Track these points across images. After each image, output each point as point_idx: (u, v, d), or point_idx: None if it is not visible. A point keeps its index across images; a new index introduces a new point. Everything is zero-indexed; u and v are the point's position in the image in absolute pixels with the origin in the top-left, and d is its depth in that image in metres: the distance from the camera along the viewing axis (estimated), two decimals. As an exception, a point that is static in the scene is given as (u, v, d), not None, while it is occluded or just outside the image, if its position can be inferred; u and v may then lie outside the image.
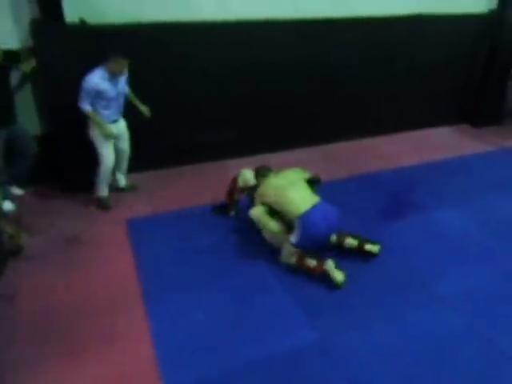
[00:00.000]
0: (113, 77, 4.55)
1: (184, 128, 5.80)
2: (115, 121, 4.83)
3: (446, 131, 7.68)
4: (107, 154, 4.83)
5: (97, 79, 4.46)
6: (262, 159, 5.76)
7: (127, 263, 4.16)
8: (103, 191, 5.06)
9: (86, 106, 4.53)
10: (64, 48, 4.65)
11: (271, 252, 4.26)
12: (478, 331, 3.47)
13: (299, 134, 6.36)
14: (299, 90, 6.20)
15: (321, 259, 3.94)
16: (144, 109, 5.00)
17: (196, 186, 5.52)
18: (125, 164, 5.22)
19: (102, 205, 5.04)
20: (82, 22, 4.80)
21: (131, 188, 5.38)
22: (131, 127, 5.05)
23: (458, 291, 3.87)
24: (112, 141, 4.82)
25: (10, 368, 3.10)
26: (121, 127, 4.93)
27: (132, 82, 4.98)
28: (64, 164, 5.19)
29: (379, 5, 6.30)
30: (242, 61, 5.72)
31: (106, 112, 4.67)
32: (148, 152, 5.55)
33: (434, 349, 3.31)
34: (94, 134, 4.72)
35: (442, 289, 3.89)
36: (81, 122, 4.71)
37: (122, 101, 4.81)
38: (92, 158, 4.88)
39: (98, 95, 4.52)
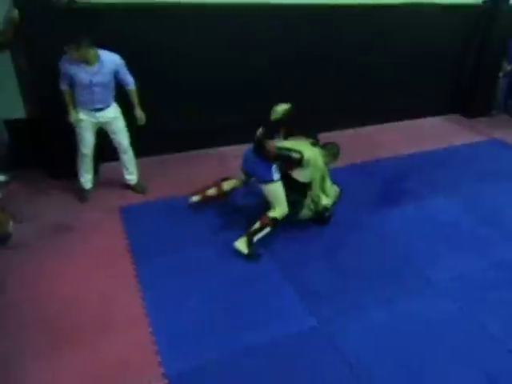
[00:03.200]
0: (82, 63, 4.21)
1: (177, 114, 5.73)
2: (98, 109, 4.49)
3: (438, 121, 7.75)
4: (82, 139, 4.58)
5: (67, 63, 4.22)
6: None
7: (122, 250, 4.13)
8: (81, 181, 4.84)
9: (63, 86, 4.35)
10: (51, 26, 4.45)
11: (268, 238, 4.26)
12: (468, 316, 3.56)
13: (294, 122, 6.34)
14: (295, 77, 6.18)
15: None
16: (139, 114, 4.74)
17: (190, 174, 5.49)
18: (126, 160, 4.93)
19: (78, 196, 4.90)
20: (71, 1, 4.66)
21: (140, 189, 5.11)
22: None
23: (449, 277, 3.96)
24: (89, 126, 4.53)
25: (0, 358, 3.05)
26: (105, 117, 4.56)
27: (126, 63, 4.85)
28: (53, 149, 5.06)
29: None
30: (239, 45, 5.66)
31: (81, 98, 4.40)
32: (140, 138, 5.47)
33: (427, 332, 3.40)
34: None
35: (434, 275, 3.98)
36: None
37: (100, 91, 4.38)
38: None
39: (71, 78, 4.29)
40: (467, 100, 7.84)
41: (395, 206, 5.00)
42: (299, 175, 4.26)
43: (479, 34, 7.37)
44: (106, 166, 5.40)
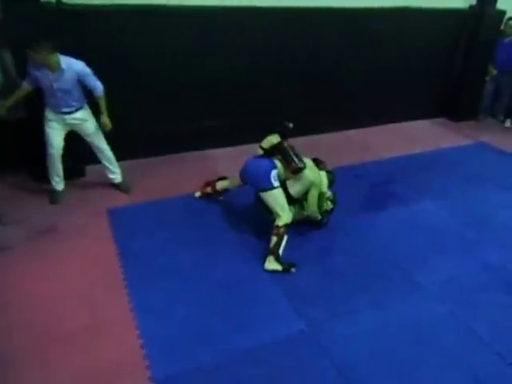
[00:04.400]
0: (44, 67, 4.16)
1: (163, 116, 5.72)
2: (67, 113, 4.48)
3: (425, 124, 7.80)
4: (49, 139, 4.53)
5: (32, 64, 4.19)
6: (244, 150, 5.76)
7: (109, 253, 4.08)
8: (52, 183, 4.78)
9: (24, 84, 4.32)
10: (38, 28, 4.38)
11: (257, 240, 4.29)
12: (457, 318, 3.57)
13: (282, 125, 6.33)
14: (282, 80, 6.18)
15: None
16: (106, 121, 4.63)
17: (177, 176, 5.46)
18: (107, 160, 4.93)
19: (50, 198, 4.82)
20: (58, 2, 4.62)
21: (124, 188, 5.11)
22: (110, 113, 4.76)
23: (438, 280, 3.96)
24: (57, 126, 4.51)
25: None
26: (76, 119, 4.55)
27: (107, 67, 4.82)
28: (36, 151, 4.91)
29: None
30: (222, 48, 5.64)
31: (47, 101, 4.41)
32: (127, 141, 5.43)
33: (416, 335, 3.39)
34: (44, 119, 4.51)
35: (422, 278, 3.97)
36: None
37: (64, 97, 4.35)
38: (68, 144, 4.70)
39: (36, 81, 4.29)
40: (454, 103, 7.89)
41: (383, 210, 5.01)
42: (291, 188, 4.27)
43: (466, 38, 7.42)
44: (92, 168, 5.34)
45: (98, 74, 4.58)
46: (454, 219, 4.91)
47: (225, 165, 5.67)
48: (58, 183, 4.81)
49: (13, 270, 3.81)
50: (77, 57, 4.41)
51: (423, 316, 3.57)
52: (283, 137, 4.29)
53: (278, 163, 4.20)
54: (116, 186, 5.12)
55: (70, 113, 4.50)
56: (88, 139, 4.76)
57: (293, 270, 3.96)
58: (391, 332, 3.41)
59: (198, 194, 5.00)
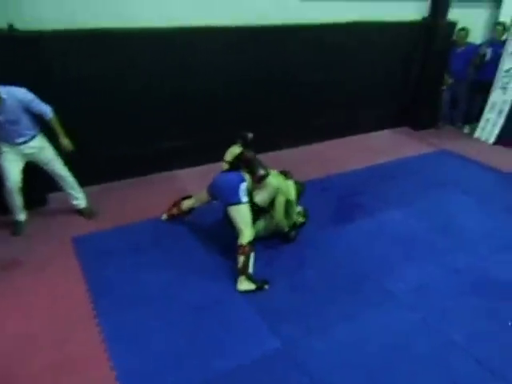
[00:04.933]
0: None
1: (126, 139, 5.64)
2: (22, 143, 4.34)
3: (387, 134, 7.94)
4: (6, 172, 4.37)
5: None
6: (211, 168, 5.72)
7: (76, 284, 3.95)
8: (14, 214, 4.62)
9: None
10: None
11: (227, 259, 4.24)
12: (432, 325, 3.59)
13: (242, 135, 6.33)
14: (245, 96, 6.20)
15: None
16: (66, 142, 4.50)
17: (144, 199, 5.37)
18: (69, 186, 4.81)
19: (12, 229, 4.66)
20: (11, 28, 4.52)
21: (89, 213, 4.98)
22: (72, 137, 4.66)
23: (409, 288, 3.99)
24: (13, 157, 4.36)
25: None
26: (32, 147, 4.42)
27: (65, 91, 4.81)
28: None
29: (320, 12, 6.45)
30: (188, 68, 5.64)
31: (0, 136, 4.27)
32: (90, 165, 5.34)
33: (393, 345, 3.39)
34: None
35: (394, 286, 4.00)
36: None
37: (16, 127, 4.22)
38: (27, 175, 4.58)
39: None
40: (414, 112, 8.07)
41: (351, 221, 5.04)
42: (257, 198, 4.28)
43: (420, 49, 7.64)
44: (55, 196, 5.21)
45: (56, 98, 4.54)
46: (422, 226, 4.98)
47: (193, 184, 5.61)
48: (19, 214, 4.66)
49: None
50: (33, 82, 4.35)
51: (397, 325, 3.57)
52: (245, 147, 4.32)
53: (246, 176, 4.19)
54: (80, 213, 5.00)
55: (24, 142, 4.36)
56: (47, 167, 4.62)
57: (266, 286, 3.92)
58: (367, 344, 3.39)
59: (164, 217, 4.91)
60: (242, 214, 4.07)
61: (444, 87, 8.01)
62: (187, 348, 3.33)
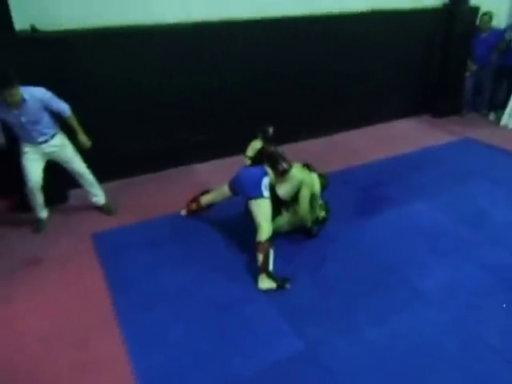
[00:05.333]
0: (6, 107, 4.02)
1: (144, 134, 5.58)
2: (43, 142, 4.36)
3: (409, 123, 7.73)
4: (27, 172, 4.38)
5: None
6: (229, 162, 5.67)
7: (96, 281, 3.91)
8: (36, 212, 4.63)
9: None
10: (14, 58, 4.27)
11: (248, 257, 4.13)
12: (463, 326, 3.44)
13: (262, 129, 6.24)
14: (265, 89, 6.09)
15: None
16: (84, 139, 4.54)
17: (163, 194, 5.30)
18: (88, 184, 4.80)
19: (34, 227, 4.65)
20: (34, 30, 4.51)
21: (108, 210, 4.97)
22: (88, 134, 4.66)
23: (439, 286, 3.85)
24: (35, 157, 4.37)
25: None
26: (53, 146, 4.44)
27: (86, 90, 4.79)
28: (20, 179, 4.79)
29: (337, 2, 6.30)
30: (206, 63, 5.55)
31: (20, 135, 4.31)
32: (109, 161, 5.30)
33: (422, 347, 3.26)
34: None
35: (423, 284, 3.86)
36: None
37: (38, 127, 4.25)
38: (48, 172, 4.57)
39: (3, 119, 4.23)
40: (437, 100, 7.87)
41: (375, 214, 4.90)
42: (280, 190, 4.20)
43: (442, 35, 7.42)
44: (75, 193, 5.18)
45: (77, 97, 4.55)
46: (449, 219, 4.82)
47: (212, 178, 5.52)
48: (41, 211, 4.65)
49: (-6, 306, 3.63)
50: (54, 83, 4.36)
51: (428, 325, 3.44)
52: (266, 141, 4.24)
53: (268, 170, 4.12)
54: (100, 209, 4.97)
55: (45, 141, 4.38)
56: (67, 165, 4.63)
57: (287, 285, 3.81)
58: (395, 346, 3.27)
59: (183, 212, 4.84)
60: (262, 209, 3.98)
61: (467, 74, 7.77)
62: (208, 348, 3.25)
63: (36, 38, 4.52)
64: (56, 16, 4.68)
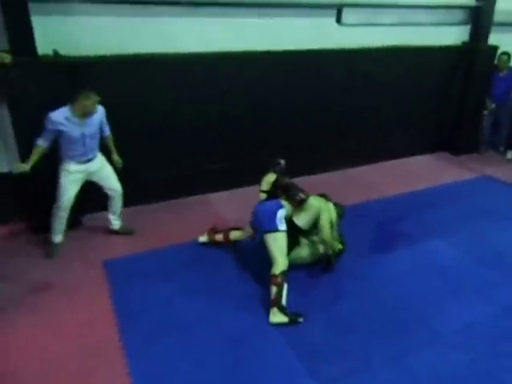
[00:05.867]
0: (79, 116, 4.16)
1: (159, 163, 5.59)
2: (90, 159, 4.46)
3: (426, 159, 7.66)
4: (65, 192, 4.41)
5: (60, 119, 4.08)
6: (243, 192, 5.63)
7: (105, 311, 3.82)
8: (51, 235, 4.61)
9: (39, 141, 4.15)
10: (37, 82, 4.37)
11: (263, 290, 4.03)
12: (483, 370, 3.31)
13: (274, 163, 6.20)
14: (278, 122, 6.09)
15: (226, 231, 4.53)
16: (117, 159, 4.76)
17: (177, 223, 5.26)
18: (117, 205, 4.86)
19: (47, 251, 4.62)
20: (56, 54, 4.57)
21: (126, 232, 5.01)
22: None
23: (458, 327, 3.72)
24: (77, 178, 4.42)
25: None
26: (94, 166, 4.52)
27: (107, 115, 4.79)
28: (37, 202, 4.86)
29: (358, 36, 6.35)
30: (222, 92, 5.57)
31: (72, 153, 4.30)
32: (124, 188, 5.29)
33: (440, 390, 3.12)
34: (59, 169, 4.41)
35: (441, 325, 3.73)
36: (54, 160, 4.44)
37: (90, 142, 4.36)
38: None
39: (60, 134, 4.17)
40: (454, 137, 7.81)
41: (392, 251, 4.80)
42: (299, 220, 4.16)
43: (461, 73, 7.43)
44: (88, 218, 5.20)
45: None
46: (468, 258, 4.70)
47: (226, 208, 5.55)
48: (58, 236, 4.63)
49: (3, 333, 3.55)
50: None
51: (446, 367, 3.31)
52: (279, 173, 4.24)
53: (284, 203, 4.09)
54: (117, 232, 4.99)
55: (92, 159, 4.48)
56: (105, 183, 4.70)
57: (300, 319, 3.70)
58: (411, 386, 3.14)
59: (202, 240, 4.76)
60: (278, 242, 3.92)
61: (485, 112, 7.74)
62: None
63: (59, 62, 4.57)
64: (79, 42, 4.76)
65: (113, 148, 4.72)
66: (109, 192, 4.76)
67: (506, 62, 7.38)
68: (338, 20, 6.16)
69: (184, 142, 5.62)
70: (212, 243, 4.72)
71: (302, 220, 4.16)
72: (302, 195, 4.09)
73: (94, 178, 4.62)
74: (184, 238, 4.85)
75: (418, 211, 5.69)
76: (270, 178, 4.31)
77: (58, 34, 4.64)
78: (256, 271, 4.32)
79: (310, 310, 3.84)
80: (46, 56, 4.51)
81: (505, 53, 7.34)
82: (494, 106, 7.60)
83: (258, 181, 4.40)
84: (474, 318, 3.82)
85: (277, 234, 3.92)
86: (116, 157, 4.76)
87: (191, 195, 5.91)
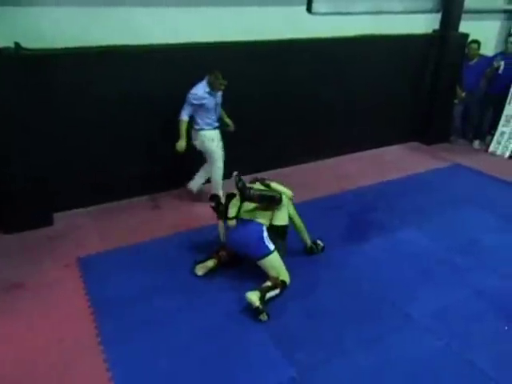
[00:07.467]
0: (213, 90, 5.02)
1: (133, 157, 5.52)
2: (216, 127, 5.28)
3: (399, 149, 7.74)
4: (219, 155, 5.32)
5: (201, 92, 4.97)
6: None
7: (81, 306, 3.79)
8: (219, 190, 5.37)
9: (184, 117, 5.04)
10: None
11: (238, 283, 4.05)
12: (455, 352, 3.39)
13: (255, 158, 6.18)
14: (250, 113, 6.05)
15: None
16: (230, 123, 5.51)
17: (152, 218, 5.24)
18: (210, 172, 5.52)
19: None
20: (18, 47, 4.46)
21: (200, 191, 5.66)
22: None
23: (430, 312, 3.79)
24: (219, 146, 5.32)
25: None
26: (219, 133, 5.34)
27: (72, 111, 4.80)
28: (5, 201, 4.76)
29: (330, 25, 6.35)
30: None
31: (207, 119, 5.14)
32: (96, 183, 5.26)
33: (414, 373, 3.21)
34: (203, 142, 5.22)
35: (414, 310, 3.80)
36: (21, 157, 4.36)
37: (219, 110, 5.28)
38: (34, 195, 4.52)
39: (200, 106, 5.01)
40: (425, 127, 7.89)
41: (366, 240, 4.85)
42: (280, 220, 4.15)
43: (431, 62, 7.50)
44: (60, 215, 5.12)
45: (61, 114, 4.72)
46: (439, 245, 4.78)
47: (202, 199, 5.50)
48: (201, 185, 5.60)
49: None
50: (39, 100, 4.41)
51: (419, 352, 3.37)
52: (243, 188, 4.02)
53: (260, 220, 4.05)
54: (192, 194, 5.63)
55: (219, 127, 5.34)
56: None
57: (264, 318, 3.66)
58: (387, 370, 3.21)
59: (201, 273, 4.24)
60: (274, 263, 3.95)
61: (456, 101, 7.85)
62: (196, 377, 3.15)
63: (21, 55, 4.46)
64: (42, 34, 4.64)
65: (225, 114, 5.48)
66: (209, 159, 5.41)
67: (475, 50, 7.44)
68: (309, 9, 6.16)
69: (154, 137, 5.54)
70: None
71: (281, 218, 4.15)
72: (275, 194, 4.07)
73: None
74: (156, 234, 4.85)
75: (391, 201, 5.76)
76: (236, 202, 4.09)
77: (20, 27, 4.54)
78: (232, 267, 4.30)
79: (287, 298, 3.88)
80: (6, 49, 4.39)
81: (475, 41, 7.41)
82: (464, 94, 7.70)
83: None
84: (445, 303, 3.90)
85: (270, 256, 3.92)
86: (229, 120, 5.52)
87: (166, 190, 5.85)
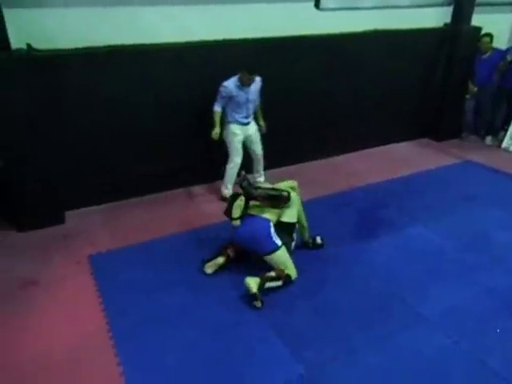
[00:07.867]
0: (242, 85, 5.12)
1: (143, 156, 5.54)
2: (245, 123, 5.38)
3: (409, 146, 7.67)
4: (236, 151, 5.42)
5: (232, 86, 5.10)
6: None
7: (92, 303, 3.84)
8: (226, 188, 5.54)
9: (217, 108, 5.20)
10: (10, 78, 4.31)
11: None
12: (467, 351, 3.35)
13: (264, 156, 6.17)
14: (263, 109, 6.02)
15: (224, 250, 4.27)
16: (263, 124, 5.65)
17: (161, 216, 5.26)
18: (260, 165, 5.79)
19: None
20: (30, 48, 4.50)
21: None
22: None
23: (441, 310, 3.75)
24: (241, 139, 5.42)
25: None
26: (250, 130, 5.47)
27: (81, 111, 4.84)
28: (18, 201, 4.83)
29: (339, 21, 6.32)
30: (203, 82, 5.46)
31: (236, 114, 5.29)
32: (107, 182, 5.30)
33: (425, 372, 3.18)
34: (227, 134, 5.39)
35: (425, 309, 3.76)
36: (34, 157, 4.41)
37: (251, 106, 5.34)
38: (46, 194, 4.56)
39: (230, 99, 5.15)
40: (436, 123, 7.81)
41: (375, 237, 4.82)
42: (288, 217, 4.16)
43: (443, 56, 7.41)
44: (72, 214, 5.19)
45: (71, 116, 4.71)
46: (451, 243, 4.73)
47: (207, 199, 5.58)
48: (230, 191, 5.45)
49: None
50: (51, 100, 4.49)
51: (429, 351, 3.34)
52: (248, 188, 4.06)
53: (267, 216, 4.06)
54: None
55: (249, 123, 5.44)
56: (253, 147, 5.62)
57: (258, 305, 3.73)
58: (397, 369, 3.19)
59: (210, 271, 4.23)
60: (282, 259, 3.98)
61: (467, 96, 7.76)
62: (205, 374, 3.17)
63: (32, 57, 4.51)
64: (53, 35, 4.69)
65: (260, 115, 5.61)
66: (253, 155, 5.69)
67: (488, 43, 7.31)
68: (317, 5, 6.13)
69: (164, 136, 5.56)
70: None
71: (290, 215, 4.16)
72: (283, 193, 4.08)
73: (247, 141, 5.51)
74: (166, 231, 4.88)
75: (402, 198, 5.73)
76: (240, 202, 4.13)
77: (30, 28, 4.58)
78: (239, 263, 4.31)
79: (295, 296, 3.89)
80: (18, 50, 4.44)
81: (487, 34, 7.28)
82: (476, 89, 7.59)
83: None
84: (456, 301, 3.86)
85: (278, 252, 3.94)
86: (262, 122, 5.65)
87: (175, 188, 5.89)
